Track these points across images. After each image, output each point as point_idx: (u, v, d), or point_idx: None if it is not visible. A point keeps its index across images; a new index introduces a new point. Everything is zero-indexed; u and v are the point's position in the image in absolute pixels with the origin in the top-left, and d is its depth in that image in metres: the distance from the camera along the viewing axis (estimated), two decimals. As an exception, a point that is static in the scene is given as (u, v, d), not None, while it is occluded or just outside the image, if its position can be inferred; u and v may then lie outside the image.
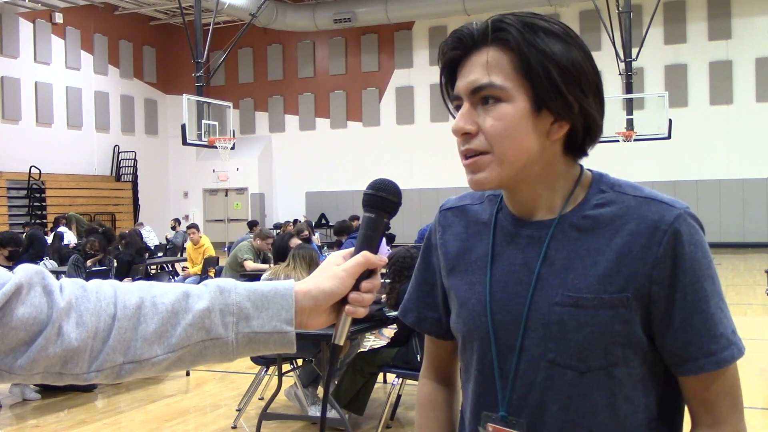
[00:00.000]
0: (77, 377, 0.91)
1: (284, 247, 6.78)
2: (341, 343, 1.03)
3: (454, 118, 1.17)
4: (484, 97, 1.11)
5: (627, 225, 1.12)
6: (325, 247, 12.02)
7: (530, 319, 1.14)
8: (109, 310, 0.92)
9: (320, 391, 5.15)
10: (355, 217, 14.39)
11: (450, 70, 1.17)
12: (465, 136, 1.12)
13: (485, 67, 1.11)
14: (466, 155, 1.13)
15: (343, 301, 1.02)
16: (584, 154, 1.18)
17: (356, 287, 1.02)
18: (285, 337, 0.98)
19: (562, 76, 1.09)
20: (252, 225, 15.41)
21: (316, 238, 13.77)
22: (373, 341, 7.32)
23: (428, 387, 1.40)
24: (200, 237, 11.49)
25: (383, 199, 1.06)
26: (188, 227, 12.19)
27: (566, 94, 1.09)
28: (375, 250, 1.04)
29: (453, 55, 1.15)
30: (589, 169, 1.21)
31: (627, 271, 1.10)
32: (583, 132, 1.14)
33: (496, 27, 1.11)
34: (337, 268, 1.02)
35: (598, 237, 1.13)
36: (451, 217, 1.30)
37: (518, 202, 1.18)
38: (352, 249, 1.05)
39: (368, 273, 1.03)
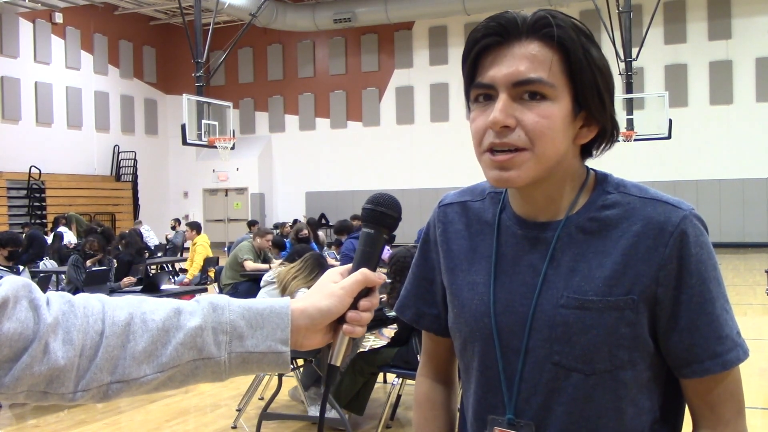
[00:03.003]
0: (63, 397, 0.86)
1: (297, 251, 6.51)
2: (338, 364, 0.99)
3: (468, 108, 1.13)
4: (530, 91, 1.07)
5: (633, 227, 1.11)
6: (325, 248, 12.00)
7: (535, 321, 1.12)
8: (96, 327, 0.88)
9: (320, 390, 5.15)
10: (355, 217, 14.36)
11: (475, 57, 1.11)
12: (503, 129, 1.07)
13: (532, 60, 1.07)
14: (498, 149, 1.08)
15: (341, 319, 0.98)
16: (590, 155, 1.18)
17: (354, 306, 0.98)
18: (280, 358, 0.94)
19: (603, 80, 1.09)
20: (251, 224, 15.41)
21: (322, 235, 13.70)
22: (373, 341, 7.32)
23: (426, 386, 1.38)
24: (195, 235, 11.45)
25: (382, 214, 1.03)
26: (186, 224, 12.18)
27: (605, 98, 1.09)
28: (374, 267, 1.01)
29: (491, 41, 1.09)
30: (592, 169, 1.20)
31: (633, 272, 1.09)
32: (609, 135, 1.14)
33: (556, 23, 1.07)
34: (334, 285, 0.98)
35: (603, 239, 1.12)
36: (451, 213, 1.28)
37: (528, 202, 1.17)
38: (350, 266, 1.01)
39: (366, 291, 0.99)
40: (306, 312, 0.96)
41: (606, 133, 1.13)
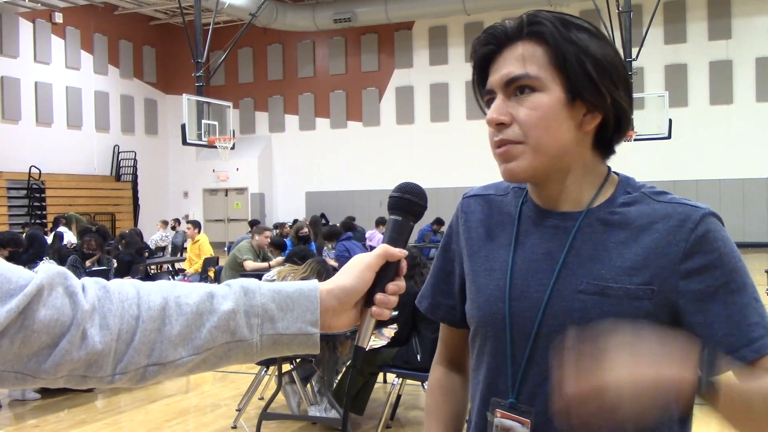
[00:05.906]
0: (101, 380, 0.89)
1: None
2: (365, 345, 1.03)
3: (485, 114, 1.19)
4: (519, 87, 1.13)
5: (654, 224, 1.14)
6: (324, 248, 11.98)
7: (550, 307, 1.14)
8: (132, 312, 0.90)
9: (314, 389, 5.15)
10: (352, 218, 14.36)
11: (482, 68, 1.19)
12: (499, 126, 1.14)
13: (520, 60, 1.13)
14: (499, 145, 1.15)
15: (369, 303, 1.01)
16: (612, 151, 1.21)
17: (383, 289, 1.01)
18: (310, 339, 0.97)
19: (596, 67, 1.12)
20: (253, 224, 15.38)
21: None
22: (373, 341, 7.32)
23: (439, 372, 1.42)
24: (196, 233, 11.44)
25: (409, 201, 1.07)
26: (188, 222, 12.17)
27: (599, 84, 1.12)
28: None
29: (486, 51, 1.18)
30: (615, 172, 1.23)
31: (654, 266, 1.11)
32: (615, 124, 1.17)
33: (531, 21, 1.14)
34: (357, 264, 1.02)
35: (625, 232, 1.15)
36: (474, 204, 1.32)
37: (545, 194, 1.20)
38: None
39: (394, 275, 1.02)
40: (333, 292, 0.99)
41: (609, 120, 1.16)
